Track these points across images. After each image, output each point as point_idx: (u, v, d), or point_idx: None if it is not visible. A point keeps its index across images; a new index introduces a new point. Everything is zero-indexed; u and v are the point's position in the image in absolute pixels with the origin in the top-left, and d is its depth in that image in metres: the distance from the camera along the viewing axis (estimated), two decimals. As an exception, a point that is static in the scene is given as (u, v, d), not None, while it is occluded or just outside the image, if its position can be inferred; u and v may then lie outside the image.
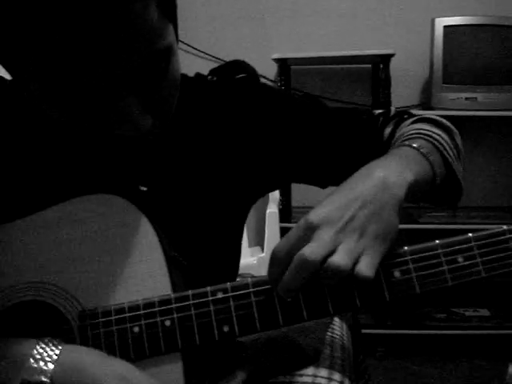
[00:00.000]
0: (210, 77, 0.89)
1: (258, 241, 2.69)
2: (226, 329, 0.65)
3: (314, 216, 0.62)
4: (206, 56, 2.74)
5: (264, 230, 2.47)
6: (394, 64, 2.51)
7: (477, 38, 2.49)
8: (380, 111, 0.93)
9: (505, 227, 0.66)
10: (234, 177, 0.86)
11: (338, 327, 1.13)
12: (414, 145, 0.75)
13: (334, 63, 2.77)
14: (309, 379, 0.96)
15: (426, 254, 0.66)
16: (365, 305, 0.64)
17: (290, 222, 2.55)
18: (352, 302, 0.64)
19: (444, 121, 0.85)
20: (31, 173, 0.76)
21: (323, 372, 0.98)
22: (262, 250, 2.51)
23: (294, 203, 2.65)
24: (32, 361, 0.60)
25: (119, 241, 0.69)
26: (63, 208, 0.71)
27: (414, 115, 0.89)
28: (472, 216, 2.57)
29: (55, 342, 0.62)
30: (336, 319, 1.15)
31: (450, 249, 0.66)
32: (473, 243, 0.66)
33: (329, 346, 1.06)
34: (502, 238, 0.66)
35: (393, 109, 0.92)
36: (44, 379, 0.59)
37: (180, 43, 0.70)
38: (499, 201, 2.83)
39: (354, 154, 0.88)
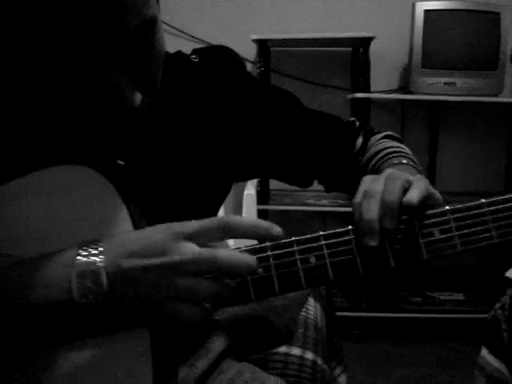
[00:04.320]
0: (193, 56, 0.88)
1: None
2: None
3: None
4: (185, 36, 2.72)
5: (241, 212, 2.46)
6: (373, 48, 2.51)
7: (457, 23, 2.50)
8: (347, 120, 0.98)
9: None
10: (209, 158, 0.86)
11: (312, 307, 1.13)
12: (411, 164, 0.83)
13: (315, 45, 2.77)
14: (281, 358, 0.97)
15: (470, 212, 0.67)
16: (400, 264, 0.65)
17: (267, 204, 2.56)
18: (386, 262, 0.65)
19: (400, 137, 0.95)
20: (3, 143, 0.75)
21: (296, 351, 0.99)
22: (240, 231, 2.50)
23: (271, 186, 2.65)
24: (81, 258, 0.60)
25: (88, 214, 0.68)
26: (32, 179, 0.69)
27: (374, 129, 0.96)
28: (448, 201, 2.57)
29: (95, 241, 0.62)
30: (310, 299, 1.16)
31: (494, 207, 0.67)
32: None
33: (302, 325, 1.06)
34: None
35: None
36: (98, 264, 0.59)
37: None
38: (475, 186, 2.85)
39: (323, 158, 0.92)
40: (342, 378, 1.12)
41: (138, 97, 0.68)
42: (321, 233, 0.66)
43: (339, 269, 0.65)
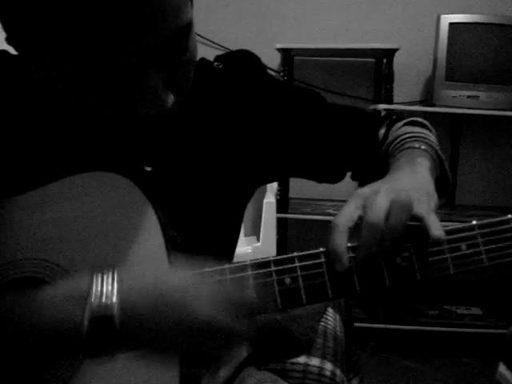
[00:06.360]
0: (216, 63, 0.89)
1: (254, 230, 2.69)
2: None
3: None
4: (211, 43, 2.74)
5: (260, 220, 2.47)
6: (397, 59, 2.51)
7: (481, 37, 2.49)
8: (371, 111, 0.97)
9: None
10: (236, 163, 0.87)
11: (331, 318, 1.13)
12: (423, 147, 0.81)
13: (338, 56, 2.77)
14: (300, 367, 0.97)
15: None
16: (425, 278, 0.66)
17: (286, 213, 2.56)
18: (412, 275, 0.66)
19: (425, 122, 0.92)
20: (35, 148, 0.76)
21: (315, 361, 0.99)
22: (258, 239, 2.51)
23: (291, 194, 2.65)
24: (94, 298, 0.60)
25: (119, 220, 0.69)
26: (63, 184, 0.71)
27: (402, 117, 0.94)
28: (469, 214, 2.57)
29: (110, 274, 0.62)
30: (329, 310, 1.16)
31: None
32: None
33: (322, 335, 1.06)
34: None
35: (382, 109, 0.95)
36: (111, 313, 0.59)
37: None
38: (497, 200, 2.83)
39: (350, 152, 0.92)
40: (359, 390, 1.12)
41: (171, 98, 0.69)
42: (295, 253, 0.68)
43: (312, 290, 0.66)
